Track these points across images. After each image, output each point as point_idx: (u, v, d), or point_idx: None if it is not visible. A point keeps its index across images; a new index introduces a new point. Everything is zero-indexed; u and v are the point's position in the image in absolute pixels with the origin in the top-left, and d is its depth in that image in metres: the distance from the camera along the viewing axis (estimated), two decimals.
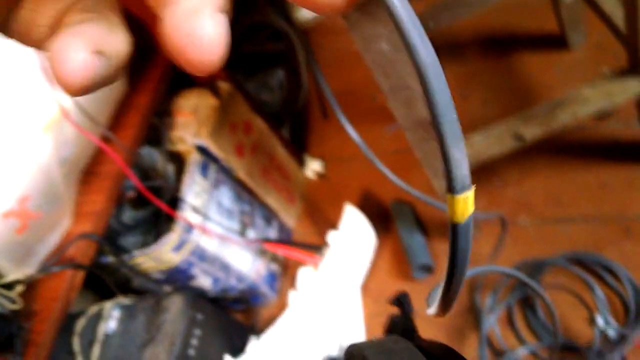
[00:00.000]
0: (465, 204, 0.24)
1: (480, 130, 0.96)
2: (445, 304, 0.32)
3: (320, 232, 1.34)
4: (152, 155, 1.14)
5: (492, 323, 0.99)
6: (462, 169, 0.23)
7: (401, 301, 0.39)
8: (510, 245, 1.07)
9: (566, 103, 0.90)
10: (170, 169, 1.14)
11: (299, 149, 1.50)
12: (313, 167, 1.44)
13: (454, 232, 0.26)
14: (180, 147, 1.13)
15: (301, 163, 1.46)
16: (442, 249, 1.15)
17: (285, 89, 1.61)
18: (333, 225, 1.26)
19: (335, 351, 1.07)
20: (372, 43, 0.76)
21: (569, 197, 1.07)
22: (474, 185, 0.25)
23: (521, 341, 0.97)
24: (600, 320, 0.87)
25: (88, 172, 1.03)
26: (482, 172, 1.16)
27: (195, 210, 1.04)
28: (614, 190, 1.04)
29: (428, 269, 1.12)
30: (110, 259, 1.05)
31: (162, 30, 0.18)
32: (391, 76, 0.81)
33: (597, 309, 0.88)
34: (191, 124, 1.12)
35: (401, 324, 0.38)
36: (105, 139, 1.00)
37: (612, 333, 0.88)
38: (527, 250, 1.05)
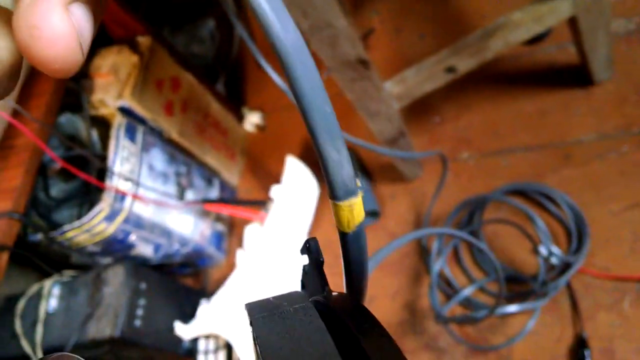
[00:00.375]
0: (352, 211, 0.20)
1: (412, 65, 0.92)
2: (356, 298, 0.28)
3: (265, 186, 1.30)
4: (73, 123, 1.07)
5: (442, 264, 0.99)
6: (342, 171, 0.18)
7: (309, 248, 0.35)
8: (453, 181, 1.05)
9: (497, 30, 0.87)
10: (95, 135, 1.07)
11: (237, 102, 1.44)
12: (252, 120, 1.39)
13: (343, 243, 0.21)
14: (103, 111, 1.05)
15: (239, 117, 1.40)
16: (388, 192, 1.13)
17: (217, 39, 1.53)
18: (278, 177, 1.22)
19: None
20: None
21: (508, 127, 1.05)
22: (360, 189, 0.19)
23: (470, 278, 0.97)
24: (543, 250, 0.86)
25: (2, 146, 0.96)
26: (420, 110, 1.13)
27: (124, 177, 0.98)
28: (552, 116, 1.02)
29: (375, 214, 1.10)
30: (39, 236, 1.00)
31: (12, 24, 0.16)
32: (310, 15, 0.75)
33: (540, 239, 0.88)
34: (112, 85, 1.04)
35: (311, 275, 0.34)
36: (15, 111, 0.92)
37: (555, 261, 0.88)
38: (470, 185, 1.04)
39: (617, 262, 0.88)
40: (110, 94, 1.03)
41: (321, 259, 0.34)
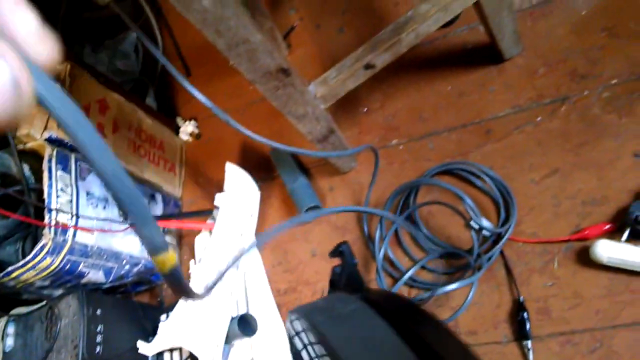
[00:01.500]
0: (165, 259, 0.28)
1: (335, 59, 0.95)
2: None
3: (208, 193, 1.32)
4: (2, 160, 1.05)
5: (386, 248, 1.03)
6: (155, 239, 0.26)
7: (342, 251, 0.38)
8: (387, 168, 1.09)
9: (407, 23, 0.90)
10: (27, 169, 1.05)
11: (170, 112, 1.43)
12: (187, 129, 1.39)
13: (167, 281, 0.30)
14: (32, 145, 1.04)
15: (175, 128, 1.40)
16: (326, 185, 1.16)
17: (142, 52, 1.51)
18: (220, 184, 1.23)
19: (244, 309, 1.08)
20: (192, 3, 0.71)
21: (431, 111, 1.10)
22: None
23: (412, 259, 1.02)
24: (474, 225, 0.92)
25: None
26: (348, 104, 1.17)
27: (63, 209, 0.97)
28: (470, 95, 1.07)
29: (316, 209, 1.13)
30: None
31: None
32: (224, 34, 0.77)
33: (470, 215, 0.93)
34: (36, 117, 1.03)
35: (345, 276, 0.37)
36: None
37: (487, 233, 0.94)
38: (402, 170, 1.08)
39: (543, 227, 0.94)
40: (36, 126, 1.02)
41: (355, 261, 0.38)
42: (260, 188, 1.18)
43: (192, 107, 1.44)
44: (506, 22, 0.97)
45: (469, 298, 0.92)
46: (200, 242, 1.19)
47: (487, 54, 1.07)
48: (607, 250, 0.86)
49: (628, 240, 0.87)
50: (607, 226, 0.90)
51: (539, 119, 1.00)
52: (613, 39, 0.99)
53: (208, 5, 0.72)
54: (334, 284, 0.38)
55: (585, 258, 0.89)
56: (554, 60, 1.02)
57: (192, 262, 1.16)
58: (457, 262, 0.98)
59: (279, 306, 1.10)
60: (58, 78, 1.07)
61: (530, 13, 1.07)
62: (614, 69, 0.97)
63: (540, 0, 1.08)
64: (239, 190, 1.16)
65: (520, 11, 1.08)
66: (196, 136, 1.40)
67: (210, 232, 1.18)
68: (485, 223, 0.94)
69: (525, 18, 1.07)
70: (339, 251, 0.38)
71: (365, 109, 1.16)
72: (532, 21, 1.07)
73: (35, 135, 1.02)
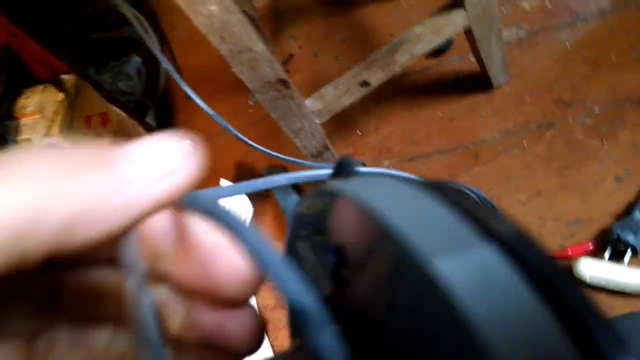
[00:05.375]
0: None
1: (330, 82, 0.99)
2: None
3: None
4: None
5: None
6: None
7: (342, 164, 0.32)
8: None
9: (402, 44, 0.95)
10: None
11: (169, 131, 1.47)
12: None
13: None
14: None
15: None
16: None
17: (144, 74, 1.56)
18: None
19: None
20: (199, 6, 0.75)
21: (423, 134, 1.14)
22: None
23: None
24: None
25: None
26: (343, 126, 1.21)
27: None
28: (460, 120, 1.12)
29: None
30: None
31: None
32: (228, 40, 0.81)
33: None
34: (39, 124, 1.06)
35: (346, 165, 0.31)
36: None
37: None
38: None
39: None
40: (37, 132, 1.04)
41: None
42: (254, 205, 1.20)
43: (189, 127, 1.48)
44: (494, 49, 1.02)
45: None
46: None
47: (477, 82, 1.12)
48: (590, 269, 0.88)
49: (610, 259, 0.89)
50: (590, 246, 0.92)
51: (525, 143, 1.04)
52: (596, 70, 1.04)
53: (215, 10, 0.76)
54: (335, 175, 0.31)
55: None
56: (540, 88, 1.08)
57: None
58: None
59: (267, 322, 1.10)
60: (64, 89, 1.10)
61: (518, 45, 1.13)
62: (597, 97, 1.02)
63: (527, 33, 1.14)
64: (233, 206, 1.18)
65: (509, 43, 1.14)
66: None
67: None
68: None
69: (513, 49, 1.13)
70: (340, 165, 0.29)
71: (360, 132, 1.20)
72: (520, 52, 1.12)
73: (36, 141, 1.04)
